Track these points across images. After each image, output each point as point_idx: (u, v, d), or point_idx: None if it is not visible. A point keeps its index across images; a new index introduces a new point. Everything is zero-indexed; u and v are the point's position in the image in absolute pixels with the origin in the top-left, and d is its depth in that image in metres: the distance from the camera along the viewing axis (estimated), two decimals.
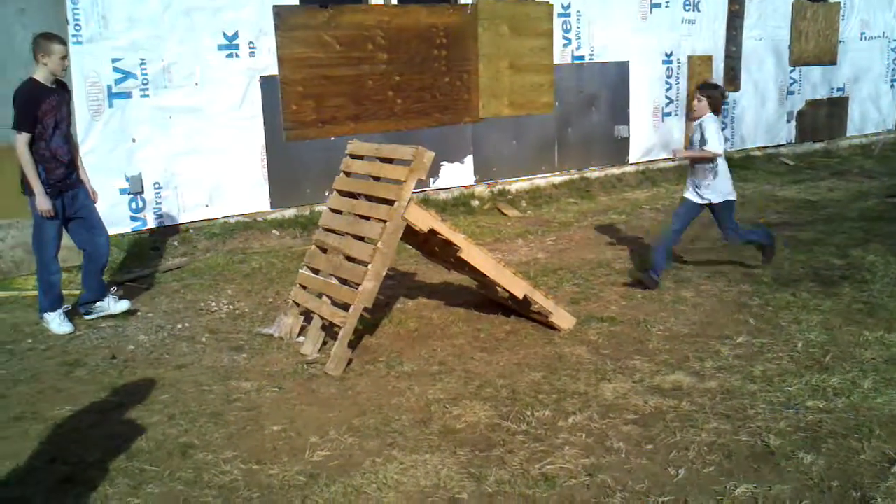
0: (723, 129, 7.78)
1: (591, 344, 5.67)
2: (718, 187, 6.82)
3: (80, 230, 6.32)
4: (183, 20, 8.50)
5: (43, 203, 5.95)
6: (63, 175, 6.11)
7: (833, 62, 15.04)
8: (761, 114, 14.22)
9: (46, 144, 5.97)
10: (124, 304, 6.55)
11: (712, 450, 4.10)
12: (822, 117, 15.20)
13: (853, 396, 4.63)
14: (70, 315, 6.39)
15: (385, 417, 4.62)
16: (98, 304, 6.46)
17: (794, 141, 14.86)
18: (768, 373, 5.03)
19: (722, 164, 6.82)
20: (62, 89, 6.15)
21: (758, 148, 14.22)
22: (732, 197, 6.91)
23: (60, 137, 6.06)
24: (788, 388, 4.79)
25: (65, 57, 6.00)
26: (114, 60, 8.10)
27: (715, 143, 6.62)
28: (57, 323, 6.21)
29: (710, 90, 6.88)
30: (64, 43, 6.04)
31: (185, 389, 5.10)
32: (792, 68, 14.45)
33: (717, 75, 13.25)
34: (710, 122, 6.72)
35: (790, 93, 14.57)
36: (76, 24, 7.85)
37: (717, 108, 6.82)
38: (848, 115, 15.68)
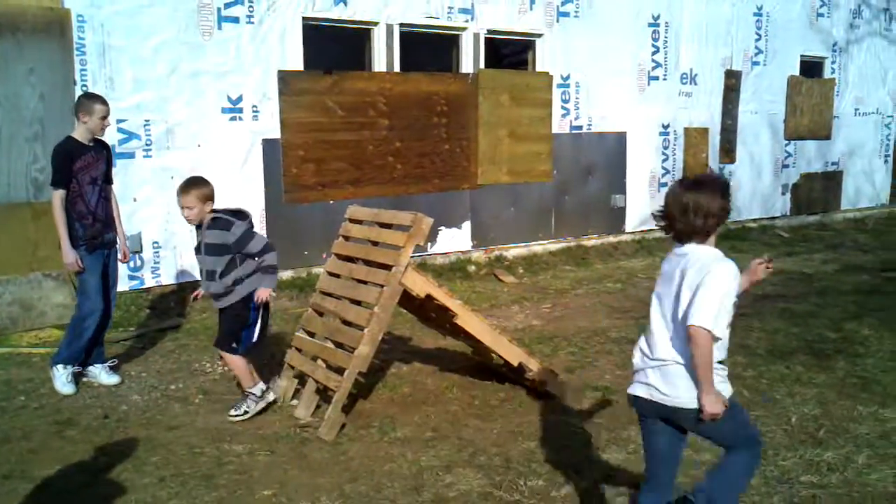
0: None
1: (585, 413, 5.66)
2: None
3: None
4: (189, 83, 8.65)
5: (68, 256, 5.97)
6: (100, 231, 6.16)
7: (828, 137, 15.26)
8: (757, 186, 14.38)
9: (84, 201, 6.04)
10: (114, 379, 6.37)
11: None
12: (817, 190, 15.36)
13: (847, 472, 4.62)
14: (77, 378, 6.27)
15: (377, 484, 4.60)
16: (90, 368, 6.38)
17: (788, 213, 15.00)
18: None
19: None
20: (100, 147, 6.22)
21: (753, 220, 14.34)
22: None
23: (97, 194, 6.13)
24: (782, 461, 4.78)
25: (104, 117, 6.07)
26: (118, 121, 8.18)
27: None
28: (62, 381, 6.12)
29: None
30: (106, 104, 6.11)
31: (176, 451, 5.07)
32: (787, 142, 14.66)
33: (714, 147, 13.44)
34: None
35: (785, 166, 14.75)
36: (83, 85, 7.97)
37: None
38: (842, 189, 15.85)
